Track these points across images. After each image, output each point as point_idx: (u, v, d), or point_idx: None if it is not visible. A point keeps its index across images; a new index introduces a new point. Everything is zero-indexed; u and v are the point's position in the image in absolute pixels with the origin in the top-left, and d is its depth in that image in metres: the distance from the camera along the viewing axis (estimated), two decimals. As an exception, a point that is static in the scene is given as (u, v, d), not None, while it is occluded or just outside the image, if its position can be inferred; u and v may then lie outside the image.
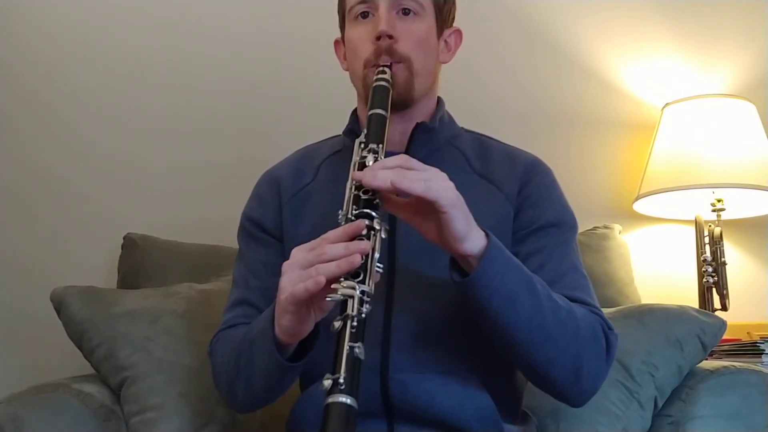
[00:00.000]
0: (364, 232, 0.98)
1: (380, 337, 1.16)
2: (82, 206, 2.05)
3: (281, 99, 2.12)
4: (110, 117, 2.10)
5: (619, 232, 1.92)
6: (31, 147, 2.08)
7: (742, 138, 1.96)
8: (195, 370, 1.43)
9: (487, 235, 1.05)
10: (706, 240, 1.98)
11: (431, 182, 0.99)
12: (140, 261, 1.79)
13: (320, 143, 1.39)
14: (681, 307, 1.52)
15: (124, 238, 1.84)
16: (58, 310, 1.48)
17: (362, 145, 1.09)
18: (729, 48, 2.22)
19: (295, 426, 1.22)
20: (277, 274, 1.03)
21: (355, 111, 1.32)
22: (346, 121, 1.31)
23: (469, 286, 1.05)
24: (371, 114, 1.12)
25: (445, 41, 1.31)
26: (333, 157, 1.33)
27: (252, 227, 1.32)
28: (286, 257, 1.04)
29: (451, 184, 1.02)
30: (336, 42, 1.35)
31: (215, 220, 1.97)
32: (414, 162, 1.02)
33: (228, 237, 1.70)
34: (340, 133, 1.33)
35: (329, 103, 1.74)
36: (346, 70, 1.31)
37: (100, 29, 2.13)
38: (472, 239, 1.03)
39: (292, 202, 1.30)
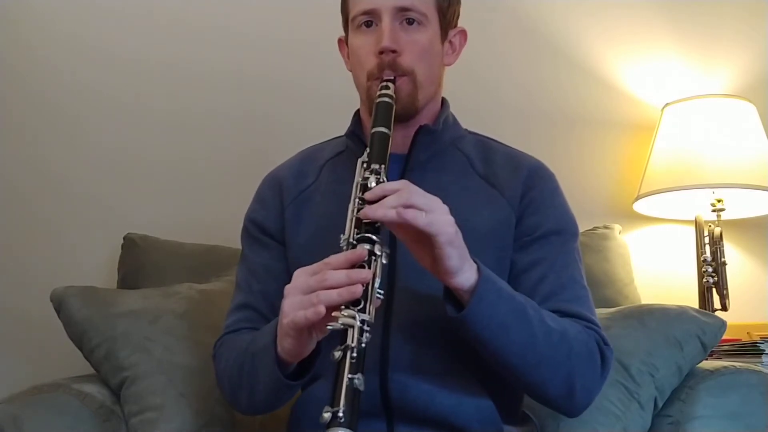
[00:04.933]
0: (365, 258, 0.99)
1: (380, 337, 1.16)
2: (82, 206, 2.05)
3: (282, 99, 2.12)
4: (110, 117, 2.09)
5: (619, 232, 1.92)
6: (31, 147, 2.08)
7: (742, 138, 1.96)
8: (195, 370, 1.43)
9: (479, 269, 1.06)
10: (706, 240, 1.98)
11: (432, 216, 1.00)
12: (140, 261, 1.79)
13: (323, 144, 1.39)
14: (681, 307, 1.52)
15: (124, 238, 1.84)
16: (58, 310, 1.48)
17: (365, 165, 1.09)
18: (729, 48, 2.22)
19: (295, 426, 1.23)
20: (279, 277, 1.04)
21: (357, 112, 1.32)
22: (348, 122, 1.31)
23: (462, 322, 1.06)
24: (374, 132, 1.13)
25: (450, 42, 1.31)
26: (336, 159, 1.33)
27: (254, 230, 1.32)
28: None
29: (451, 219, 1.03)
30: (340, 41, 1.35)
31: (215, 220, 1.97)
32: (414, 188, 1.03)
33: (228, 237, 1.70)
34: (343, 134, 1.33)
35: (331, 104, 1.74)
36: (350, 70, 1.31)
37: (101, 29, 2.12)
38: (464, 274, 1.05)
39: (294, 203, 1.30)
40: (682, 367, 1.44)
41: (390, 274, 1.18)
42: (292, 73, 2.12)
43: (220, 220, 1.90)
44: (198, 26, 2.14)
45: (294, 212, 1.29)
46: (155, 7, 2.14)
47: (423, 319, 1.17)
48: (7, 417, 1.28)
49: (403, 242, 1.07)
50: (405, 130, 1.25)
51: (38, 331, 1.87)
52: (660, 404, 1.44)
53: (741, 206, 2.04)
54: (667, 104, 2.06)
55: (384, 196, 1.01)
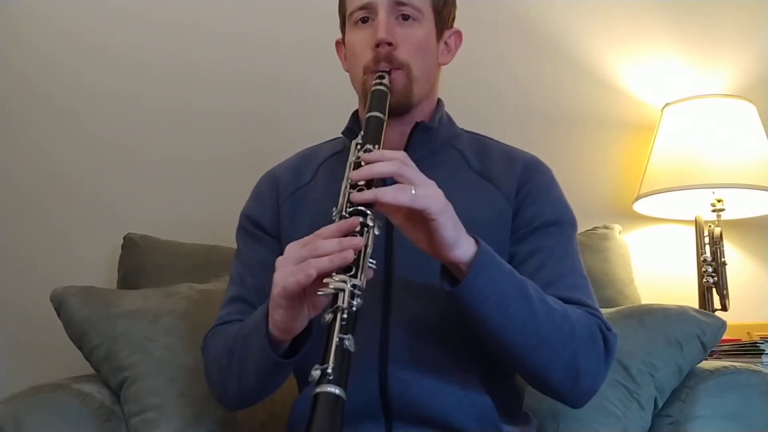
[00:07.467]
0: (358, 228, 0.99)
1: (379, 336, 1.16)
2: (82, 206, 2.05)
3: (283, 99, 2.12)
4: (111, 116, 2.10)
5: (619, 232, 1.92)
6: (31, 146, 2.08)
7: (742, 138, 1.96)
8: (195, 370, 1.42)
9: (477, 242, 1.05)
10: (706, 240, 1.98)
11: (419, 191, 0.99)
12: (140, 261, 1.79)
13: (322, 144, 1.40)
14: (681, 307, 1.52)
15: (124, 238, 1.84)
16: (58, 310, 1.48)
17: (359, 146, 1.10)
18: (729, 48, 2.22)
19: (295, 426, 1.23)
20: (273, 271, 1.03)
21: (356, 112, 1.33)
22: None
23: (460, 295, 1.05)
24: (369, 116, 1.13)
25: (445, 43, 1.32)
26: (333, 158, 1.33)
27: (249, 225, 1.32)
28: None
29: (440, 192, 1.03)
30: (337, 43, 1.36)
31: (215, 220, 1.97)
32: (410, 162, 1.03)
33: (228, 237, 1.70)
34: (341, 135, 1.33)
35: (331, 103, 1.74)
36: (347, 71, 1.31)
37: (102, 28, 2.13)
38: (462, 246, 1.04)
39: (290, 200, 1.30)
40: (682, 367, 1.44)
41: (387, 270, 1.19)
42: (292, 73, 2.12)
43: (220, 220, 1.89)
44: (198, 26, 2.14)
45: (290, 209, 1.29)
46: (156, 7, 2.14)
47: (422, 314, 1.17)
48: (7, 417, 1.28)
49: (397, 226, 1.06)
50: (401, 127, 1.26)
51: (38, 331, 1.88)
52: (660, 404, 1.44)
53: (741, 206, 2.04)
54: (667, 104, 2.06)
55: (380, 161, 1.01)
